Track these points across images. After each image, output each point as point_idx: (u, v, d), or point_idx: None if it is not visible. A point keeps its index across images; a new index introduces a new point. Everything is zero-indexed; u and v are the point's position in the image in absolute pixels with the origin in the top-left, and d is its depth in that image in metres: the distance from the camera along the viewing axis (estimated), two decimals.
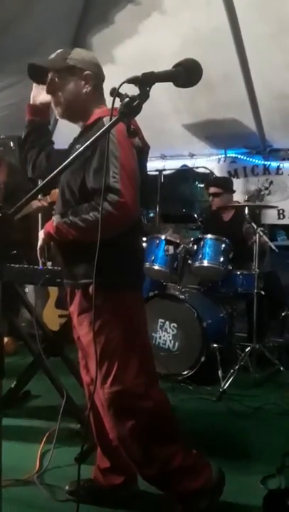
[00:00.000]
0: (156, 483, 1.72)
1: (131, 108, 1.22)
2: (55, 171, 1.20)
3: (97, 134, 1.22)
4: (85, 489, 1.85)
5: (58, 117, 1.80)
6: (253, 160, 4.95)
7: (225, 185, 4.09)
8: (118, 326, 1.62)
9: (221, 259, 3.34)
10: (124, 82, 1.24)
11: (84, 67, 1.72)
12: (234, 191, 4.16)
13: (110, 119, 1.22)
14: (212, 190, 4.05)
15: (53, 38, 3.74)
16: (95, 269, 1.37)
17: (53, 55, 1.77)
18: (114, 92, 1.23)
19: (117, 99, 1.23)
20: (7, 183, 3.49)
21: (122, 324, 1.63)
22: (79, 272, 1.65)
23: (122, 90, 1.24)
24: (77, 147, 1.66)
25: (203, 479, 1.69)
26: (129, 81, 1.25)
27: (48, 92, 1.75)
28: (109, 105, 1.43)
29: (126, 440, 1.64)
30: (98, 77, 1.75)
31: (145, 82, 1.26)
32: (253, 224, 3.42)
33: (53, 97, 1.75)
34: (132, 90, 1.25)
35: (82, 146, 1.29)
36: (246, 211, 3.48)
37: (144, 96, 1.24)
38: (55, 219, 1.64)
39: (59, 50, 1.78)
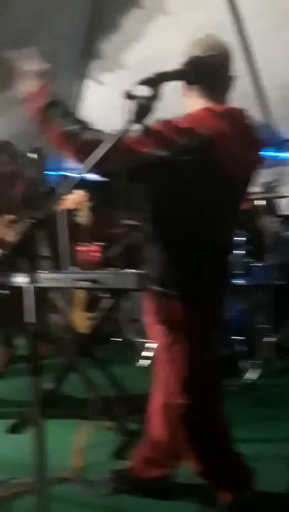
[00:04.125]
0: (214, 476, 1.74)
1: (144, 109, 1.28)
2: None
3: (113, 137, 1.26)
4: (123, 480, 1.89)
5: None
6: (264, 152, 4.95)
7: None
8: (193, 340, 1.57)
9: (237, 251, 3.36)
10: (137, 84, 1.29)
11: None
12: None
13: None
14: None
15: (63, 50, 3.82)
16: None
17: None
18: (128, 95, 1.29)
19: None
20: (25, 194, 3.59)
21: (197, 337, 1.58)
22: (171, 281, 1.56)
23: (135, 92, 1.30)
24: None
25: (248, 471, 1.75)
26: (142, 82, 1.30)
27: None
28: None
29: (192, 445, 1.67)
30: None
31: (157, 82, 1.32)
32: (268, 215, 3.44)
33: None
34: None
35: None
36: (263, 203, 3.51)
37: (156, 96, 1.30)
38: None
39: None
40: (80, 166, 1.37)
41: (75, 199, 3.33)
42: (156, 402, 1.83)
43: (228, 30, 3.71)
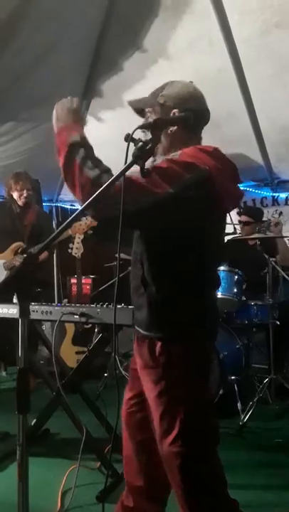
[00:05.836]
0: None
1: (144, 151, 1.31)
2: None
3: (112, 178, 1.29)
4: None
5: None
6: (262, 192, 5.05)
7: (255, 215, 4.17)
8: (186, 385, 1.54)
9: (235, 290, 3.37)
10: (137, 128, 1.33)
11: (172, 104, 1.59)
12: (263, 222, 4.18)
13: (126, 162, 1.31)
14: (243, 218, 4.11)
15: (65, 87, 3.94)
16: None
17: (157, 88, 1.67)
18: (128, 138, 1.32)
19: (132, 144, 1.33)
20: (34, 224, 3.66)
21: (191, 383, 1.54)
22: (157, 323, 1.55)
23: (135, 135, 1.34)
24: None
25: None
26: (142, 127, 1.35)
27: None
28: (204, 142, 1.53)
29: (185, 495, 1.59)
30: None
31: (157, 127, 1.36)
32: (265, 255, 3.46)
33: None
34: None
35: None
36: (257, 242, 3.57)
37: (156, 140, 1.34)
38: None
39: (168, 81, 1.65)
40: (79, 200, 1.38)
41: (86, 223, 3.41)
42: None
43: (228, 75, 3.83)
